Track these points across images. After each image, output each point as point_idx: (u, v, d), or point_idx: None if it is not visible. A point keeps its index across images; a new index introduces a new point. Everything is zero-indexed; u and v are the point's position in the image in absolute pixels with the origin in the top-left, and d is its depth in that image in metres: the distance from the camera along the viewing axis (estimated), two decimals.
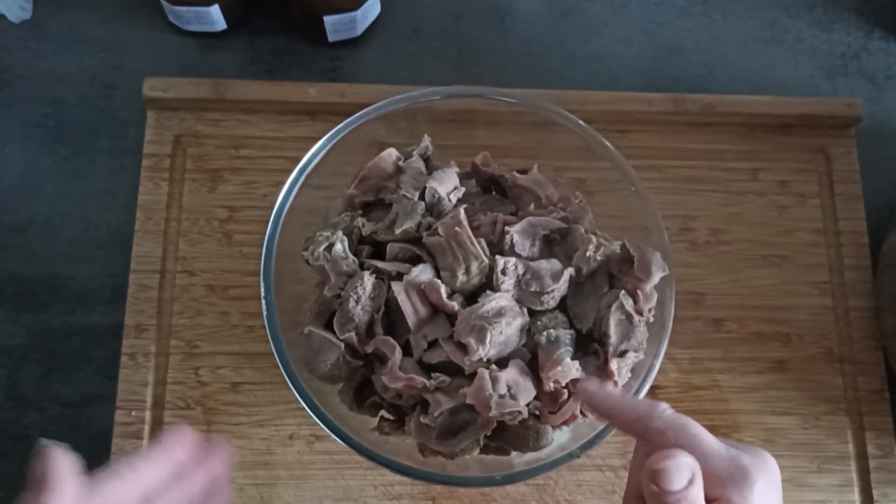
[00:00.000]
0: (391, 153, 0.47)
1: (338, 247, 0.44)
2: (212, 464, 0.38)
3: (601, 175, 0.49)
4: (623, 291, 0.43)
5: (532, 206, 0.48)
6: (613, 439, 0.53)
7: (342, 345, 0.43)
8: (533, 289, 0.43)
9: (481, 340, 0.41)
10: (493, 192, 0.51)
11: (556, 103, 0.49)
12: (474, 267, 0.43)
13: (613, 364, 0.42)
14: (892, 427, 0.54)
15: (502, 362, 0.42)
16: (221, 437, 0.40)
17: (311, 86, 0.57)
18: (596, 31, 0.64)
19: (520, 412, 0.40)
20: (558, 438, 0.45)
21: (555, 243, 0.47)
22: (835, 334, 0.56)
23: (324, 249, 0.44)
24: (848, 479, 0.53)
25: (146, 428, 0.51)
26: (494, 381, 0.40)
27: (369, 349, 0.43)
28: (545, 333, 0.43)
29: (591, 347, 0.44)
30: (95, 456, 0.50)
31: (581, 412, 0.43)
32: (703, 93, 0.60)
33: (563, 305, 0.45)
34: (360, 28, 0.60)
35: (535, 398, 0.42)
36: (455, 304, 0.43)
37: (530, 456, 0.45)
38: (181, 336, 0.53)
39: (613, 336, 0.42)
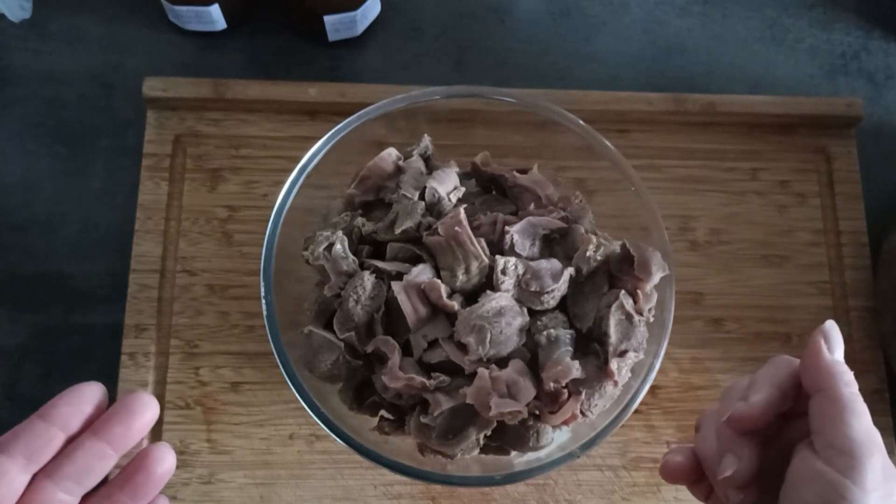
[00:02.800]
0: (391, 153, 0.47)
1: (338, 246, 0.44)
2: (120, 431, 0.33)
3: (601, 175, 0.49)
4: (623, 291, 0.43)
5: (532, 205, 0.48)
6: (613, 439, 0.53)
7: (342, 345, 0.43)
8: (533, 289, 0.43)
9: (481, 340, 0.41)
10: (493, 192, 0.51)
11: (556, 103, 0.49)
12: (474, 267, 0.43)
13: (613, 364, 0.42)
14: (892, 427, 0.54)
15: (502, 362, 0.42)
16: (141, 393, 0.35)
17: (311, 85, 0.57)
18: (596, 30, 0.64)
19: (520, 412, 0.40)
20: (558, 438, 0.45)
21: (555, 243, 0.47)
22: None
23: (324, 249, 0.44)
24: None
25: None
26: (494, 381, 0.40)
27: (369, 349, 0.43)
28: (545, 333, 0.43)
29: (591, 347, 0.44)
30: None
31: (581, 412, 0.43)
32: (703, 92, 0.60)
33: (563, 305, 0.45)
34: (360, 28, 0.60)
35: (535, 398, 0.42)
36: (455, 304, 0.42)
37: (530, 456, 0.45)
38: (181, 336, 0.53)
39: (613, 336, 0.42)
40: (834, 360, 0.35)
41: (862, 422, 0.33)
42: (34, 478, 0.32)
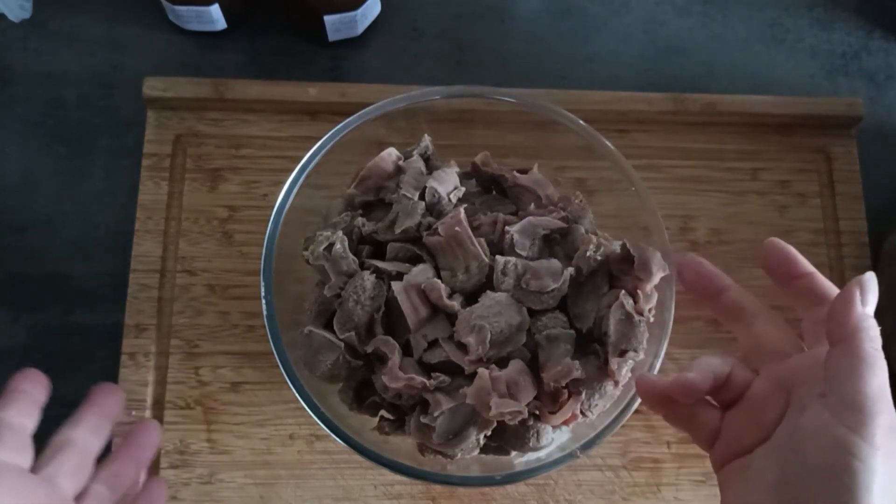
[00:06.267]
0: (391, 153, 0.47)
1: (338, 246, 0.44)
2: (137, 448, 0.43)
3: (601, 175, 0.49)
4: (623, 291, 0.43)
5: (532, 205, 0.48)
6: (613, 439, 0.53)
7: (342, 345, 0.43)
8: (533, 288, 0.43)
9: (481, 340, 0.41)
10: (493, 192, 0.51)
11: (556, 103, 0.49)
12: (474, 267, 0.43)
13: (613, 364, 0.42)
14: None
15: (502, 362, 0.42)
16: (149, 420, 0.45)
17: (311, 85, 0.57)
18: (596, 30, 0.64)
19: (520, 412, 0.40)
20: (558, 438, 0.45)
21: (555, 243, 0.47)
22: None
23: (324, 249, 0.44)
24: None
25: None
26: (494, 381, 0.40)
27: (369, 349, 0.43)
28: (545, 333, 0.43)
29: (591, 347, 0.44)
30: None
31: (581, 412, 0.43)
32: (704, 92, 0.60)
33: (563, 305, 0.45)
34: (360, 28, 0.60)
35: (535, 398, 0.42)
36: (455, 304, 0.42)
37: (530, 456, 0.45)
38: (181, 336, 0.53)
39: (613, 336, 0.42)
40: (864, 313, 0.34)
41: (878, 378, 0.32)
42: None
